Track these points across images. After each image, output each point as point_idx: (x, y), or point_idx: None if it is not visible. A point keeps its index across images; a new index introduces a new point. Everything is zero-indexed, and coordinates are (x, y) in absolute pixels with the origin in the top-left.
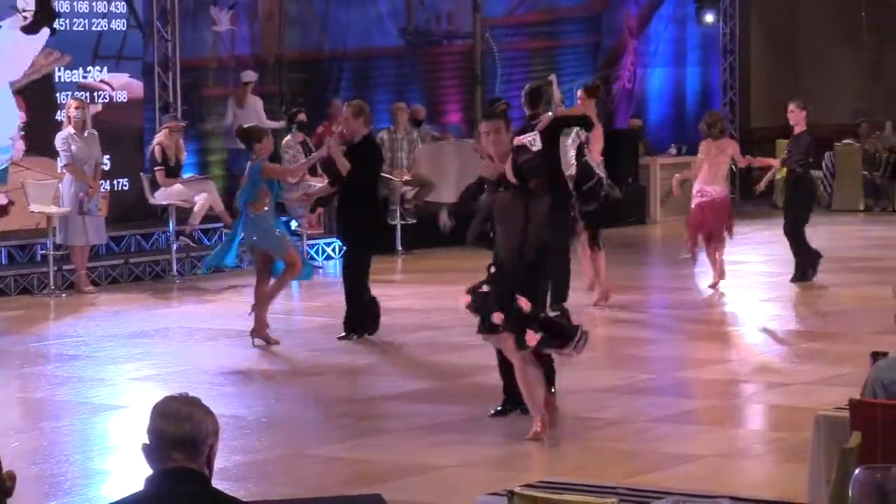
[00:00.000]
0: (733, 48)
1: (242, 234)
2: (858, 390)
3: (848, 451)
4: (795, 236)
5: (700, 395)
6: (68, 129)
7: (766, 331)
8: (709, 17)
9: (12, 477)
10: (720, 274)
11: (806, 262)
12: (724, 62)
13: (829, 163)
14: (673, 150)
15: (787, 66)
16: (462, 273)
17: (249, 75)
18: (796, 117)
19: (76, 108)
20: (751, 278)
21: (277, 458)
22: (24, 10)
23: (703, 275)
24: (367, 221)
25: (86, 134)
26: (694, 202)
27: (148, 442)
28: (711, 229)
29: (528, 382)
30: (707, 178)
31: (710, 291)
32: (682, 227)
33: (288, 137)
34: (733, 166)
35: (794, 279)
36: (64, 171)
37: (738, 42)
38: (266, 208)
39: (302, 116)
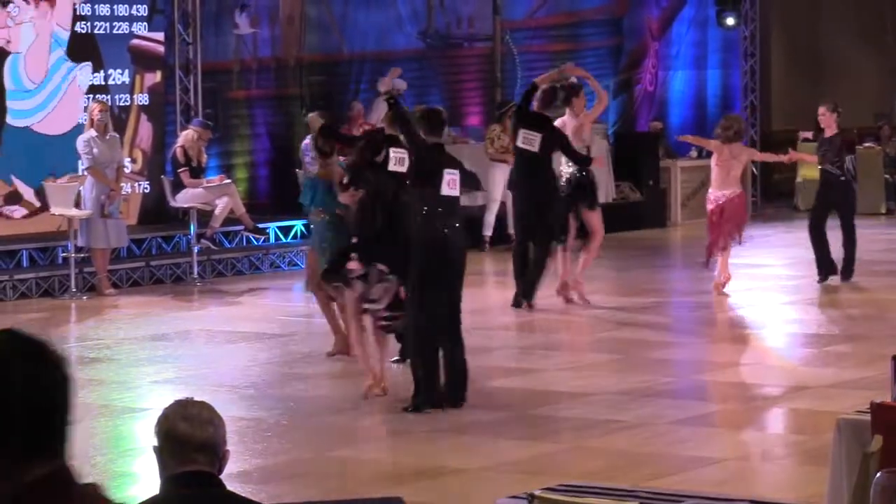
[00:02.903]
0: (754, 51)
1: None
2: (880, 394)
3: (869, 455)
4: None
5: (720, 399)
6: (90, 132)
7: (786, 334)
8: (730, 20)
9: None
10: (725, 274)
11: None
12: (745, 65)
13: (850, 166)
14: (693, 153)
15: (808, 69)
16: (483, 276)
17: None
18: (827, 120)
19: (100, 110)
20: (772, 281)
21: (298, 460)
22: None
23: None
24: None
25: (108, 137)
26: (707, 209)
27: (163, 444)
28: (722, 231)
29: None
30: (718, 183)
31: (716, 293)
32: (703, 231)
33: (307, 140)
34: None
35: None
36: (86, 173)
37: (759, 45)
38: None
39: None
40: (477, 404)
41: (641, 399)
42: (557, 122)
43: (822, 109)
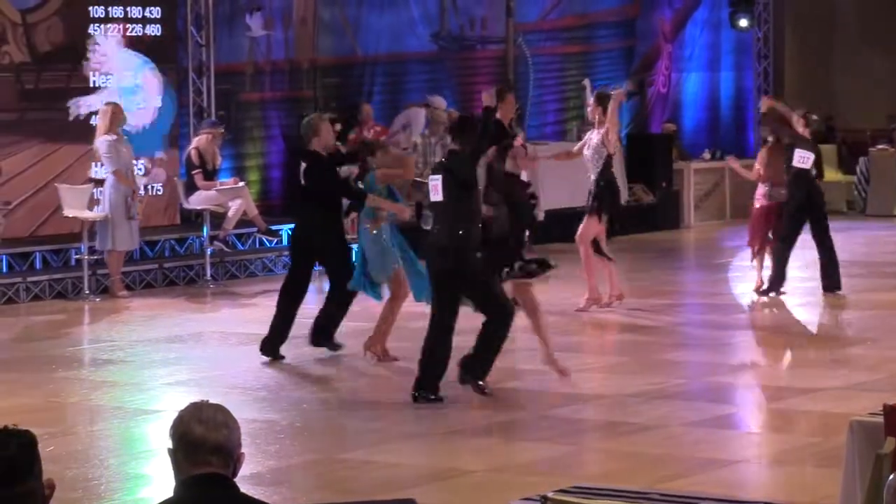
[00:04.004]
0: (768, 53)
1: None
2: (893, 396)
3: (882, 457)
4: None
5: (733, 401)
6: (111, 136)
7: (799, 335)
8: (743, 22)
9: (51, 486)
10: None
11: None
12: (758, 67)
13: (863, 168)
14: (707, 155)
15: (821, 71)
16: None
17: None
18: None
19: (117, 112)
20: (785, 283)
21: (311, 462)
22: None
23: (737, 280)
24: None
25: (123, 138)
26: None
27: (178, 447)
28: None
29: None
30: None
31: (756, 297)
32: (715, 232)
33: None
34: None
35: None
36: (110, 176)
37: (772, 47)
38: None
39: (339, 126)
40: (490, 406)
41: (655, 401)
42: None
43: (794, 118)
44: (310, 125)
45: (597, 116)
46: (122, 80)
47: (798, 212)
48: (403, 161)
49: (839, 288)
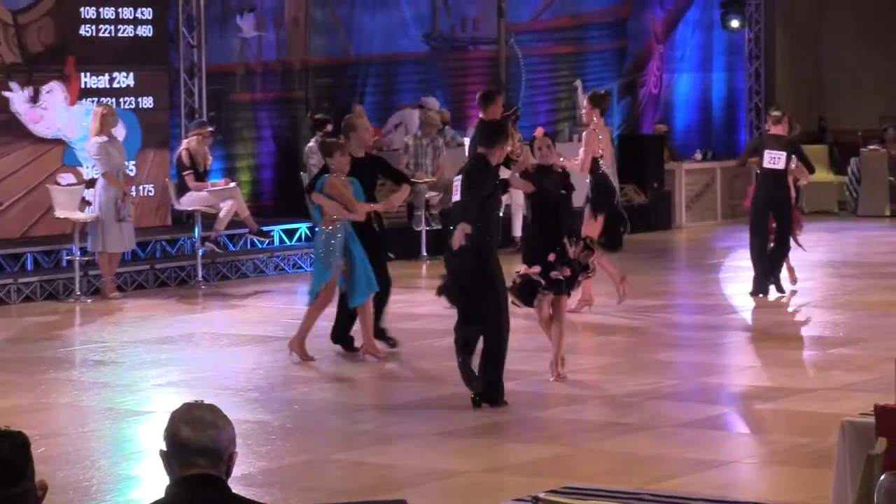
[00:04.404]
0: (759, 53)
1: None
2: (884, 396)
3: (874, 458)
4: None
5: (725, 401)
6: (102, 137)
7: (791, 336)
8: (735, 23)
9: (44, 487)
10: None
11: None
12: (749, 67)
13: (854, 168)
14: (698, 156)
15: (812, 72)
16: None
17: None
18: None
19: (108, 114)
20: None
21: (302, 463)
22: None
23: (729, 280)
24: None
25: (115, 140)
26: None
27: (168, 448)
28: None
29: None
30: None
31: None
32: (707, 232)
33: (311, 143)
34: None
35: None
36: (98, 177)
37: (763, 47)
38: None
39: (329, 127)
40: (482, 407)
41: (647, 401)
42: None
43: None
44: (347, 125)
45: (594, 118)
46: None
47: (764, 209)
48: (347, 200)
49: (766, 293)
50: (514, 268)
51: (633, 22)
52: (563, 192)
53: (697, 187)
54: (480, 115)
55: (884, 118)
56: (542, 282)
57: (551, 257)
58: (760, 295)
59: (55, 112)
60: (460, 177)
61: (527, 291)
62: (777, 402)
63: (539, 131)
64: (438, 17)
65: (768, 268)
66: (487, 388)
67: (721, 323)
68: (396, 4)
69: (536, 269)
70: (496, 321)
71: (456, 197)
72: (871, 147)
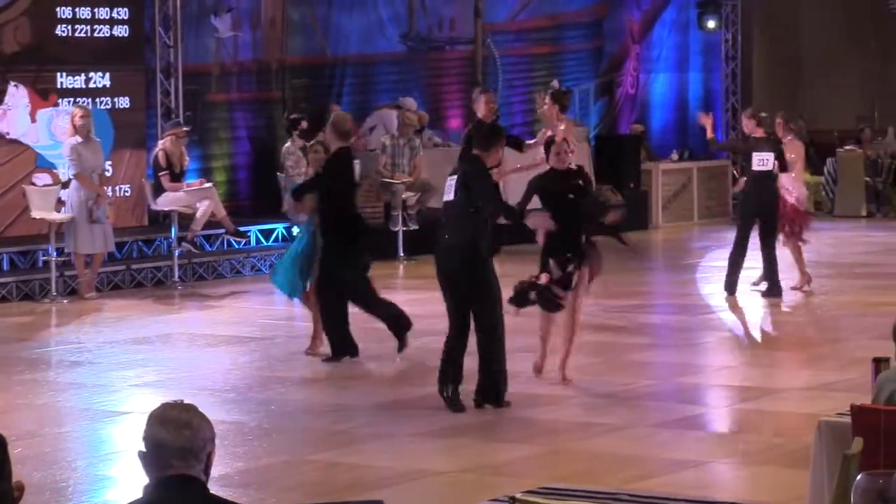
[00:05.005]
0: (735, 54)
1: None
2: (860, 396)
3: (850, 457)
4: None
5: (701, 401)
6: (75, 138)
7: (767, 336)
8: (711, 23)
9: (20, 488)
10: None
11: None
12: (726, 68)
13: (831, 168)
14: (675, 156)
15: (789, 72)
16: None
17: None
18: (751, 127)
19: (82, 116)
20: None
21: (279, 464)
22: None
23: (705, 281)
24: None
25: (91, 142)
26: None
27: (145, 450)
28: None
29: None
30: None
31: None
32: (683, 233)
33: (288, 144)
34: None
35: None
36: (71, 178)
37: (740, 48)
38: None
39: (304, 124)
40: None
41: (623, 402)
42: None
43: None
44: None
45: (553, 114)
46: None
47: (753, 214)
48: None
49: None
50: (530, 270)
51: (610, 22)
52: (573, 195)
53: (674, 187)
54: (479, 116)
55: (860, 118)
56: (559, 294)
57: (554, 268)
58: (727, 294)
59: (17, 117)
60: (454, 176)
61: (521, 298)
62: (754, 402)
63: (559, 135)
64: (415, 18)
65: (736, 272)
66: (488, 390)
67: (698, 323)
68: (373, 5)
69: (545, 277)
70: (490, 323)
71: (449, 197)
72: (848, 147)
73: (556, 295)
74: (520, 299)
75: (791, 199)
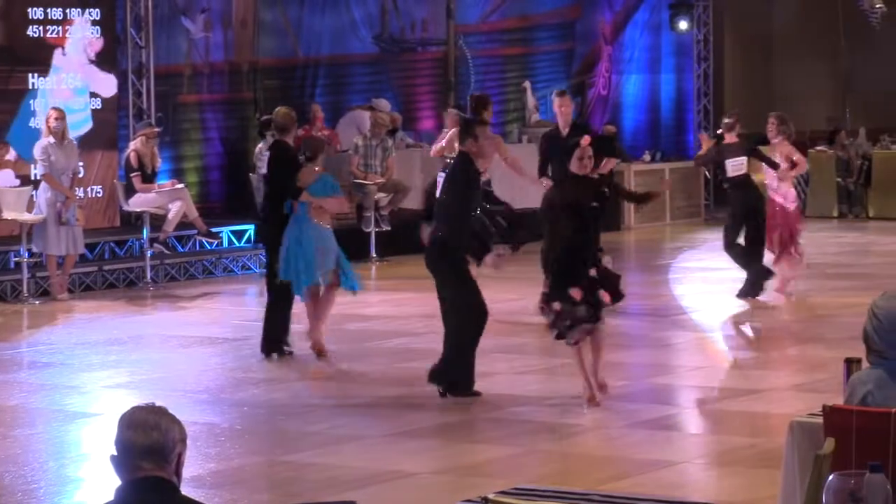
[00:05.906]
0: (707, 55)
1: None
2: (832, 397)
3: (822, 458)
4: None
5: (674, 402)
6: (48, 139)
7: (739, 337)
8: (683, 24)
9: None
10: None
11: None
12: (698, 69)
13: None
14: (647, 157)
15: (760, 73)
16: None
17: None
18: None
19: (56, 118)
20: (725, 285)
21: (252, 464)
22: None
23: (677, 281)
24: None
25: (65, 143)
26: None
27: (115, 452)
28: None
29: None
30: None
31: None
32: (655, 233)
33: (261, 145)
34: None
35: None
36: (41, 179)
37: (712, 49)
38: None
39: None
40: (432, 407)
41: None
42: None
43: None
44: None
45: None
46: None
47: (740, 221)
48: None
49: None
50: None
51: (582, 23)
52: (597, 203)
53: (646, 188)
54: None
55: (831, 119)
56: (585, 315)
57: (576, 294)
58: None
59: None
60: (443, 173)
61: (566, 326)
62: (726, 403)
63: (586, 140)
64: (388, 19)
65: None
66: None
67: (670, 324)
68: (346, 6)
69: (557, 306)
70: (467, 307)
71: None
72: (819, 148)
73: (586, 318)
74: (560, 333)
75: (779, 199)
